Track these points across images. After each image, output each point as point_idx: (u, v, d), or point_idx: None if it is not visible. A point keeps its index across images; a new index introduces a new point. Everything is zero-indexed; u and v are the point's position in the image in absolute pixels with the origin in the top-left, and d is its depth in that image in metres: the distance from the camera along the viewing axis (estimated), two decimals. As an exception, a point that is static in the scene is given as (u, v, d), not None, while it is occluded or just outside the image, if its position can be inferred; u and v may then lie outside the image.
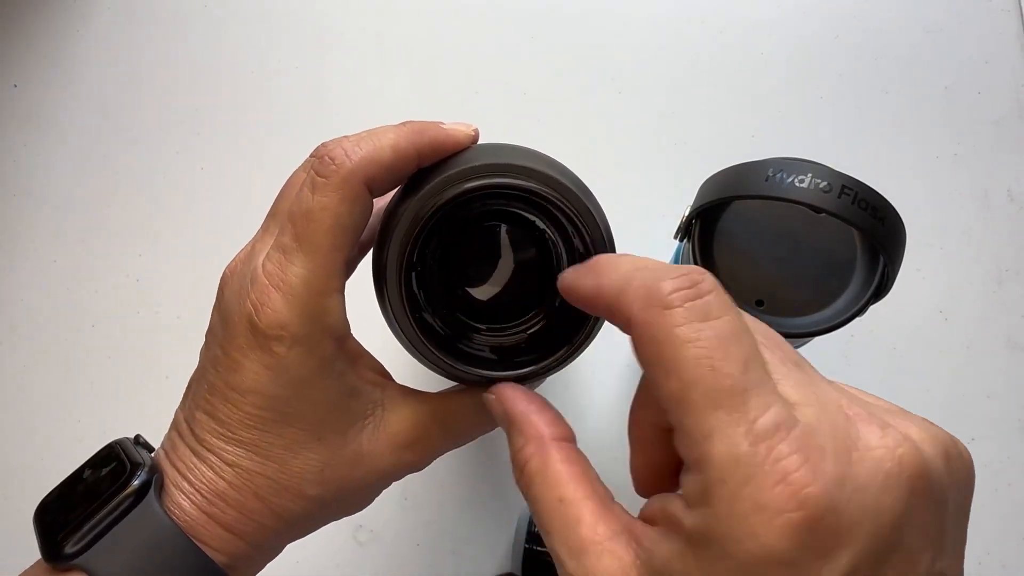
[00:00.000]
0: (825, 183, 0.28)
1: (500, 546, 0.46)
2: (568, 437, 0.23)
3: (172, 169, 0.53)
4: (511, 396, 0.24)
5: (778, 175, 0.28)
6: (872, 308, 0.32)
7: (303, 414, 0.26)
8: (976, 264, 0.49)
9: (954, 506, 0.19)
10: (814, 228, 0.33)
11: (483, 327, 0.28)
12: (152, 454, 0.27)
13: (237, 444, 0.25)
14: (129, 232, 0.51)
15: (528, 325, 0.28)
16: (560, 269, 0.26)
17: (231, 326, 0.25)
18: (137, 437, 0.28)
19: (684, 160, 0.51)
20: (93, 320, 0.50)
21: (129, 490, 0.24)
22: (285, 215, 0.26)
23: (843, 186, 0.28)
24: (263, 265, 0.25)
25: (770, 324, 0.32)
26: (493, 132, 0.54)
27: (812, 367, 0.20)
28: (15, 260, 0.51)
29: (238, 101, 0.54)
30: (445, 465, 0.46)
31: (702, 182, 0.33)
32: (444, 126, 0.28)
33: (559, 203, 0.26)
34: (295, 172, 0.28)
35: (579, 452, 0.23)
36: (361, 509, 0.29)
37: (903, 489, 0.17)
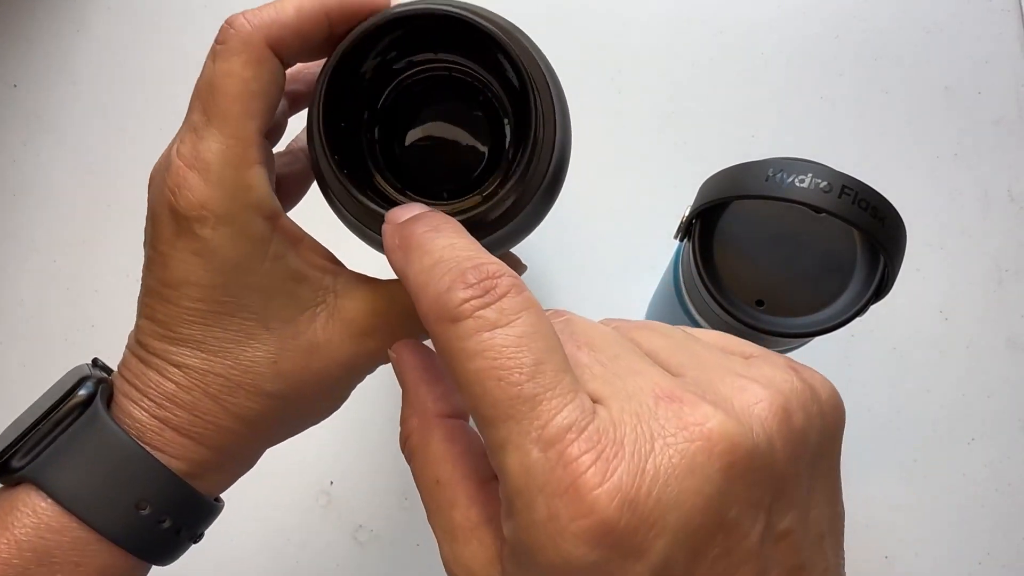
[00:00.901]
0: (825, 183, 0.28)
1: (500, 546, 0.46)
2: (455, 413, 0.22)
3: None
4: (405, 360, 0.22)
5: (778, 175, 0.28)
6: (872, 308, 0.32)
7: (244, 302, 0.24)
8: (976, 264, 0.49)
9: (811, 455, 0.19)
10: (814, 228, 0.33)
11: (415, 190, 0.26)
12: (108, 373, 0.27)
13: (180, 343, 0.24)
14: (129, 232, 0.51)
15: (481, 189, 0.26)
16: (502, 115, 0.25)
17: (155, 219, 0.24)
18: (95, 360, 0.28)
19: (684, 160, 0.51)
20: (93, 320, 0.50)
21: (74, 400, 0.24)
22: (193, 93, 0.24)
23: (843, 186, 0.28)
24: (176, 148, 0.24)
25: (770, 324, 0.32)
26: (493, 132, 0.54)
27: (640, 355, 0.19)
28: (15, 260, 0.51)
29: (238, 101, 0.54)
30: (445, 465, 0.46)
31: (702, 182, 0.33)
32: None
33: (481, 26, 0.23)
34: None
35: (466, 429, 0.21)
36: (334, 410, 0.27)
37: (713, 467, 0.16)
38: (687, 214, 0.33)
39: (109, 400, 0.25)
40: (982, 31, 0.53)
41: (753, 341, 0.34)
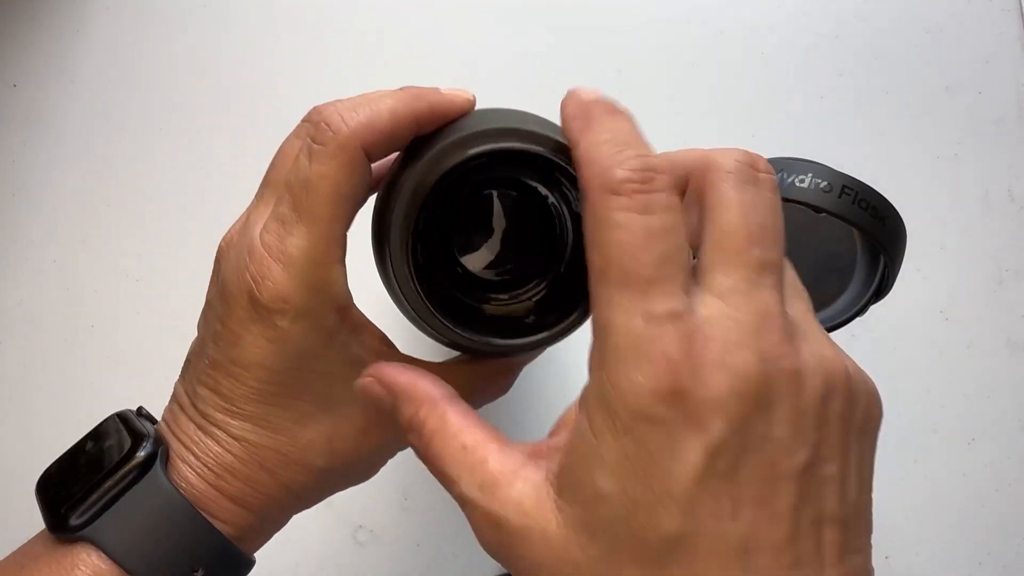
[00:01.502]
0: (825, 183, 0.28)
1: (500, 546, 0.46)
2: (455, 395, 0.24)
3: (172, 169, 0.53)
4: (390, 371, 0.24)
5: (778, 175, 0.28)
6: (872, 308, 0.32)
7: (309, 386, 0.25)
8: (976, 264, 0.49)
9: (857, 427, 0.21)
10: (814, 228, 0.33)
11: (488, 295, 0.28)
12: (155, 426, 0.27)
13: (243, 419, 0.25)
14: (129, 232, 0.51)
15: (533, 293, 0.28)
16: (564, 235, 0.26)
17: (231, 299, 0.25)
18: (139, 409, 0.28)
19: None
20: (93, 320, 0.50)
21: (135, 462, 0.24)
22: (282, 184, 0.25)
23: (843, 186, 0.28)
24: (261, 236, 0.24)
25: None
26: (493, 132, 0.54)
27: (778, 285, 0.21)
28: (15, 260, 0.51)
29: (238, 101, 0.54)
30: (445, 465, 0.46)
31: (702, 182, 0.33)
32: (442, 91, 0.26)
33: (560, 164, 0.24)
34: (287, 139, 0.27)
35: (468, 406, 0.23)
36: (368, 479, 0.29)
37: (780, 386, 0.19)
38: (687, 214, 0.33)
39: (166, 461, 0.25)
40: (982, 31, 0.53)
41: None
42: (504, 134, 0.24)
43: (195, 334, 0.29)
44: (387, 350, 0.27)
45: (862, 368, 0.22)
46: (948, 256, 0.49)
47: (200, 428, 0.25)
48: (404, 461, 0.46)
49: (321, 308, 0.24)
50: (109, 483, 0.24)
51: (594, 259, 0.20)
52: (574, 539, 0.19)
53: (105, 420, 0.27)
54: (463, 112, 0.26)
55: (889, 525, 0.46)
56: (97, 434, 0.26)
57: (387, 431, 0.27)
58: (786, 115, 0.52)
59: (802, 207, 0.28)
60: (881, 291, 0.32)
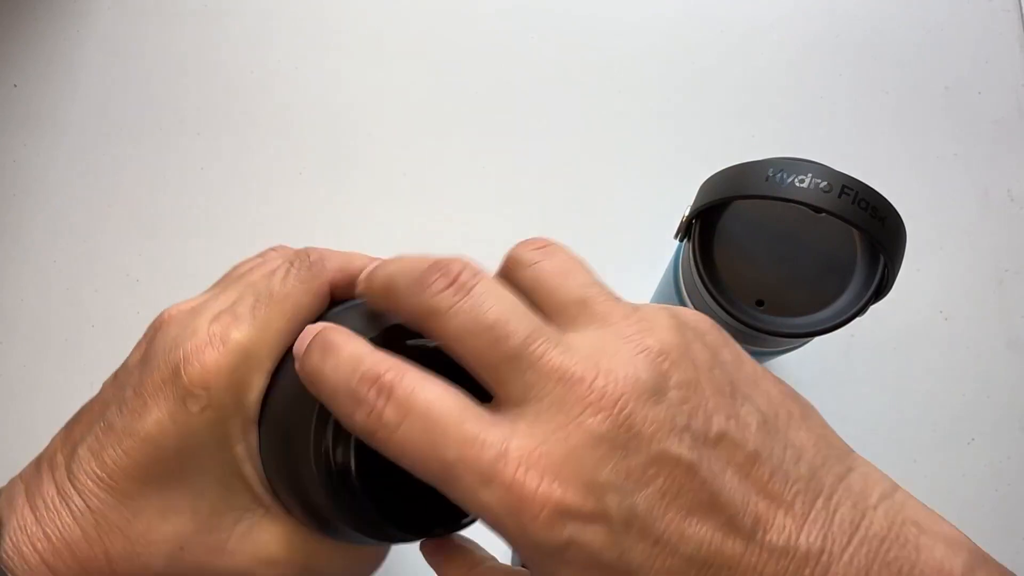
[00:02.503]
0: (825, 183, 0.28)
1: (500, 546, 0.46)
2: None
3: (172, 169, 0.53)
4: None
5: (778, 175, 0.28)
6: (872, 308, 0.32)
7: (190, 479, 0.24)
8: (976, 264, 0.49)
9: (707, 368, 0.21)
10: (814, 228, 0.33)
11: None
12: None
13: (111, 492, 0.24)
14: (129, 232, 0.51)
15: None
16: None
17: (152, 370, 0.25)
18: None
19: (684, 160, 0.51)
20: (93, 320, 0.50)
21: None
22: (249, 287, 0.26)
23: (843, 186, 0.28)
24: (209, 324, 0.25)
25: (770, 324, 0.32)
26: (493, 133, 0.54)
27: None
28: (15, 260, 0.51)
29: (238, 101, 0.54)
30: (445, 465, 0.46)
31: (702, 182, 0.33)
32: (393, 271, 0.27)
33: None
34: (247, 259, 0.29)
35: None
36: None
37: (619, 419, 0.20)
38: (687, 214, 0.33)
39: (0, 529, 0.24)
40: (982, 31, 0.53)
41: (753, 341, 0.34)
42: None
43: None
44: (265, 492, 0.27)
45: (696, 312, 0.23)
46: (948, 256, 0.49)
47: (60, 493, 0.24)
48: (404, 461, 0.46)
49: (231, 410, 0.24)
50: None
51: (429, 461, 0.21)
52: None
53: None
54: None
55: (889, 525, 0.46)
56: None
57: (237, 563, 0.25)
58: (786, 115, 0.52)
59: (802, 207, 0.28)
60: (881, 291, 0.32)
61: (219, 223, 0.51)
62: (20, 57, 0.55)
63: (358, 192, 0.52)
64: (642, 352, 0.21)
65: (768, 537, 0.19)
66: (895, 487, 0.22)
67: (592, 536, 0.19)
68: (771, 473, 0.20)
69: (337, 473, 0.23)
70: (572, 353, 0.20)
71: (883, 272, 0.31)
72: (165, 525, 0.24)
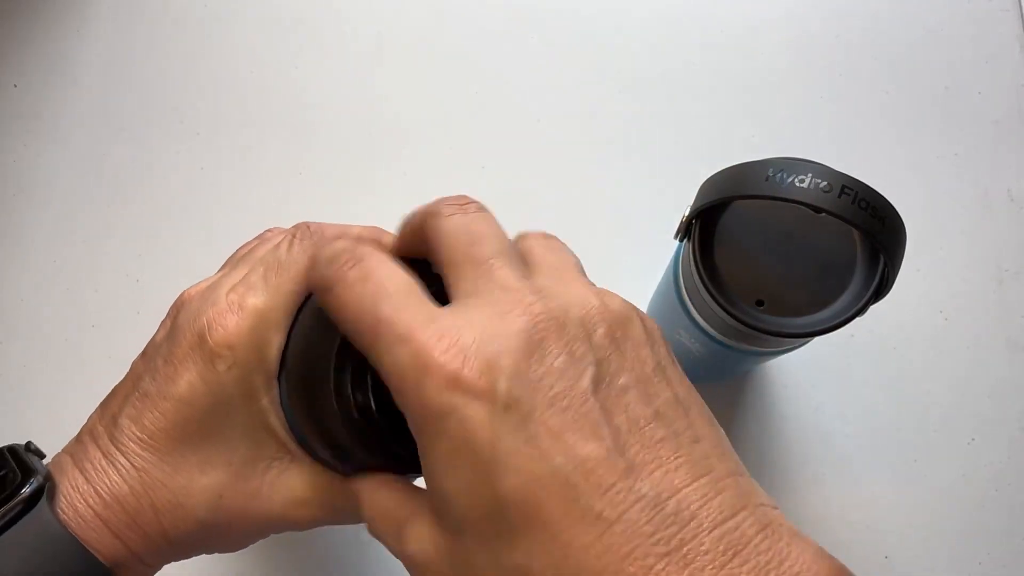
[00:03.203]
0: (825, 183, 0.28)
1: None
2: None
3: (172, 169, 0.53)
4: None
5: (778, 175, 0.28)
6: (872, 308, 0.32)
7: (222, 436, 0.27)
8: (976, 264, 0.49)
9: (633, 341, 0.23)
10: (814, 228, 0.33)
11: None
12: (45, 460, 0.28)
13: (153, 451, 0.26)
14: (129, 232, 0.51)
15: None
16: None
17: (180, 339, 0.27)
18: (28, 444, 0.29)
19: (684, 160, 0.51)
20: (93, 320, 0.50)
21: (19, 498, 0.25)
22: (259, 261, 0.29)
23: (843, 186, 0.28)
24: (227, 294, 0.27)
25: (770, 324, 0.32)
26: (493, 132, 0.54)
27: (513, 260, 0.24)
28: (15, 260, 0.51)
29: (238, 101, 0.54)
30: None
31: (702, 182, 0.33)
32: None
33: None
34: (271, 232, 0.33)
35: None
36: (234, 550, 0.29)
37: (531, 335, 0.21)
38: (687, 214, 0.33)
39: (53, 491, 0.26)
40: (982, 31, 0.53)
41: (753, 341, 0.34)
42: None
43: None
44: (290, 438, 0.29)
45: (625, 300, 0.24)
46: (948, 256, 0.49)
47: (106, 456, 0.27)
48: (404, 461, 0.46)
49: (255, 366, 0.27)
50: None
51: (366, 337, 0.23)
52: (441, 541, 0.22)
53: None
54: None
55: (889, 525, 0.46)
56: None
57: (270, 506, 0.28)
58: (786, 115, 0.52)
59: (802, 207, 0.28)
60: (881, 291, 0.32)
61: (219, 223, 0.51)
62: (20, 57, 0.55)
63: (358, 192, 0.52)
64: (593, 297, 0.23)
65: (639, 484, 0.20)
66: (776, 506, 0.22)
67: (472, 412, 0.20)
68: (663, 438, 0.21)
69: (358, 410, 0.26)
70: (528, 280, 0.23)
71: (883, 272, 0.31)
72: (204, 478, 0.27)
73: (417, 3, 0.55)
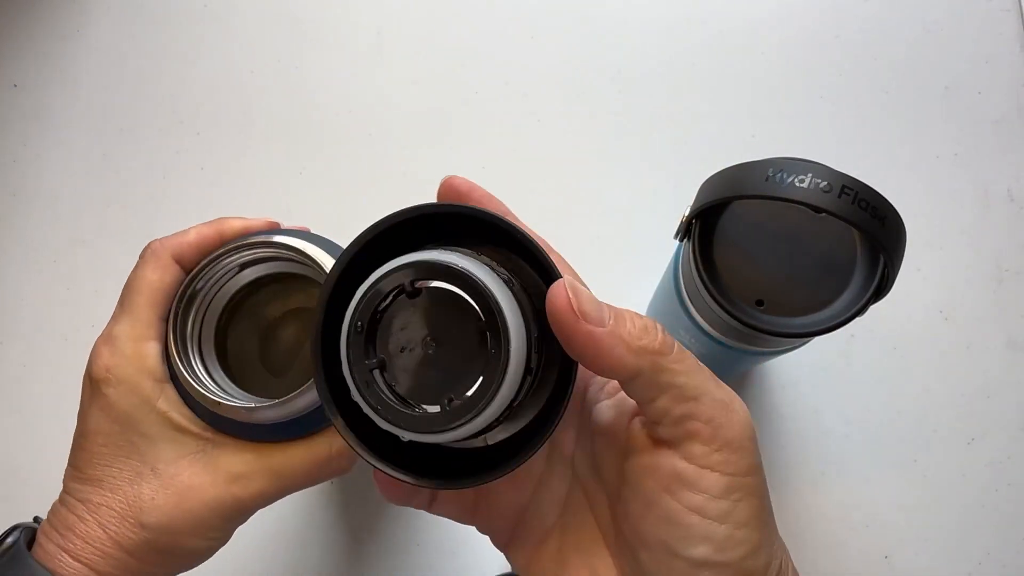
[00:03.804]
0: (825, 183, 0.28)
1: (499, 559, 0.46)
2: None
3: (172, 169, 0.53)
4: None
5: (778, 175, 0.28)
6: (872, 308, 0.32)
7: (137, 447, 0.30)
8: (976, 264, 0.49)
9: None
10: (814, 228, 0.33)
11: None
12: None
13: (85, 482, 0.30)
14: (129, 232, 0.51)
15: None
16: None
17: (83, 386, 0.31)
18: (35, 518, 0.33)
19: (684, 160, 0.51)
20: (93, 320, 0.50)
21: (3, 547, 0.29)
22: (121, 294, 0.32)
23: (843, 186, 0.28)
24: (102, 333, 0.31)
25: (770, 324, 0.32)
26: (494, 132, 0.54)
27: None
28: (15, 260, 0.51)
29: (238, 101, 0.54)
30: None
31: (702, 182, 0.33)
32: (245, 220, 0.34)
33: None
34: None
35: None
36: (211, 550, 0.32)
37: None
38: (687, 214, 0.33)
39: (33, 540, 0.30)
40: (982, 31, 0.53)
41: (753, 341, 0.34)
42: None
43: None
44: (203, 428, 0.31)
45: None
46: (948, 256, 0.49)
47: (61, 501, 0.30)
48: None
49: (138, 376, 0.30)
50: None
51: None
52: None
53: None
54: (265, 228, 0.34)
55: (889, 525, 0.46)
56: None
57: (204, 494, 0.30)
58: (786, 115, 0.52)
59: (802, 207, 0.28)
60: (881, 291, 0.32)
61: (219, 223, 0.51)
62: (20, 57, 0.55)
63: (358, 191, 0.52)
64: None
65: None
66: None
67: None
68: None
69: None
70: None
71: (883, 272, 0.31)
72: (134, 487, 0.30)
73: (417, 3, 0.55)
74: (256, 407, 0.29)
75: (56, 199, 0.52)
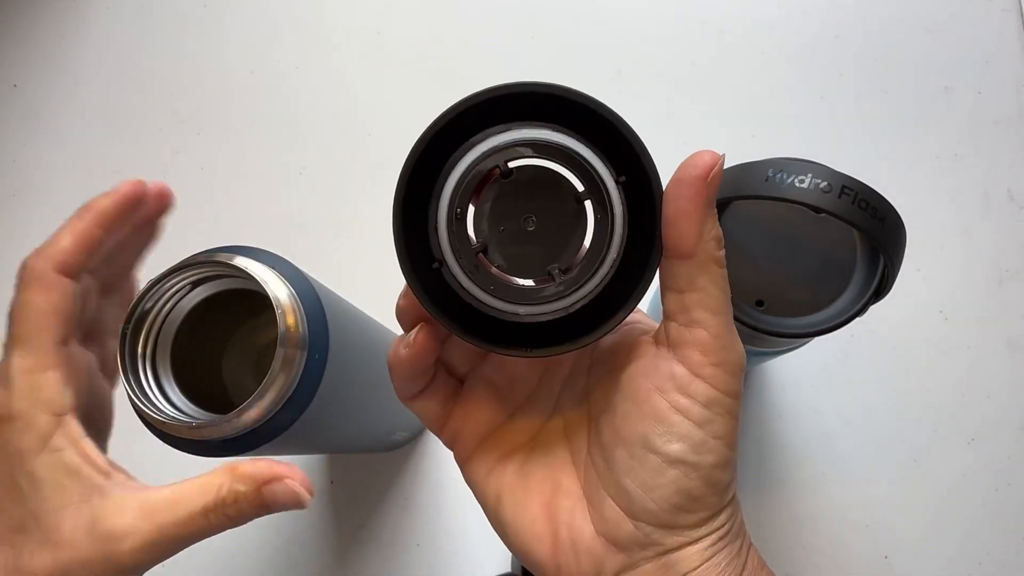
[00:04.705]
0: (825, 183, 0.28)
1: (500, 546, 0.46)
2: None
3: (172, 169, 0.53)
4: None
5: (778, 175, 0.28)
6: (872, 308, 0.32)
7: (22, 491, 0.26)
8: (976, 264, 0.49)
9: None
10: (814, 228, 0.33)
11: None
12: None
13: None
14: (129, 232, 0.51)
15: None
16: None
17: None
18: None
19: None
20: (93, 320, 0.50)
21: None
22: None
23: (843, 186, 0.28)
24: None
25: (770, 324, 0.32)
26: (493, 132, 0.54)
27: None
28: (15, 260, 0.51)
29: (238, 101, 0.54)
30: (444, 466, 0.47)
31: (702, 182, 0.33)
32: (109, 195, 0.30)
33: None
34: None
35: None
36: None
37: None
38: (687, 214, 0.33)
39: None
40: (982, 31, 0.53)
41: (753, 341, 0.34)
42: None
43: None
44: (107, 467, 0.28)
45: None
46: (948, 256, 0.49)
47: None
48: (403, 463, 0.46)
49: (33, 410, 0.27)
50: None
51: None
52: None
53: None
54: (138, 194, 0.31)
55: (889, 525, 0.46)
56: None
57: (76, 552, 0.26)
58: (786, 115, 0.52)
59: (802, 207, 0.28)
60: (881, 291, 0.32)
61: (219, 223, 0.51)
62: (20, 57, 0.55)
63: (358, 191, 0.52)
64: None
65: None
66: None
67: None
68: None
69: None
70: None
71: (883, 272, 0.31)
72: (19, 537, 0.26)
73: (417, 4, 0.55)
74: (199, 424, 0.28)
75: (56, 199, 0.52)
